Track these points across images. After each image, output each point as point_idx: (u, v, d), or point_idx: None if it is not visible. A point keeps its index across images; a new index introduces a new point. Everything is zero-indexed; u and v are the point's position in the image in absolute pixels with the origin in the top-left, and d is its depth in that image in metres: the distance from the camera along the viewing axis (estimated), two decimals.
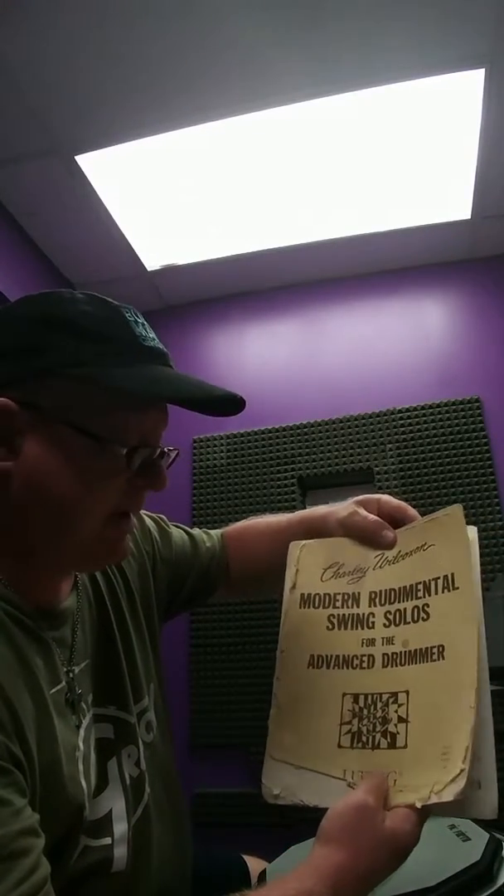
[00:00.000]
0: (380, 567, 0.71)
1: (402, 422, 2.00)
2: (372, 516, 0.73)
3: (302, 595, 0.74)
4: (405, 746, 0.59)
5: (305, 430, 2.08)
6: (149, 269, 2.14)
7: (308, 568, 0.76)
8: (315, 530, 0.80)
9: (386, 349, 2.14)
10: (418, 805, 0.54)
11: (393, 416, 2.02)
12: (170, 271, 2.17)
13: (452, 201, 1.90)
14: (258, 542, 0.91)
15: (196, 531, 0.94)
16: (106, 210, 1.86)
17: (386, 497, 0.76)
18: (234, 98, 1.52)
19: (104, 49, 1.38)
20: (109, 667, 0.70)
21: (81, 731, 0.62)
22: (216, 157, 1.70)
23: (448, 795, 0.52)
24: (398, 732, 0.60)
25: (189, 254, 2.10)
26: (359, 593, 0.70)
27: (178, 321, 2.34)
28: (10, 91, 1.46)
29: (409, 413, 2.01)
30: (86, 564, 0.68)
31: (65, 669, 0.63)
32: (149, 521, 0.88)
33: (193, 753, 1.86)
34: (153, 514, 0.91)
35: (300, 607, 0.74)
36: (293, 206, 1.90)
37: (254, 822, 1.71)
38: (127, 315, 0.61)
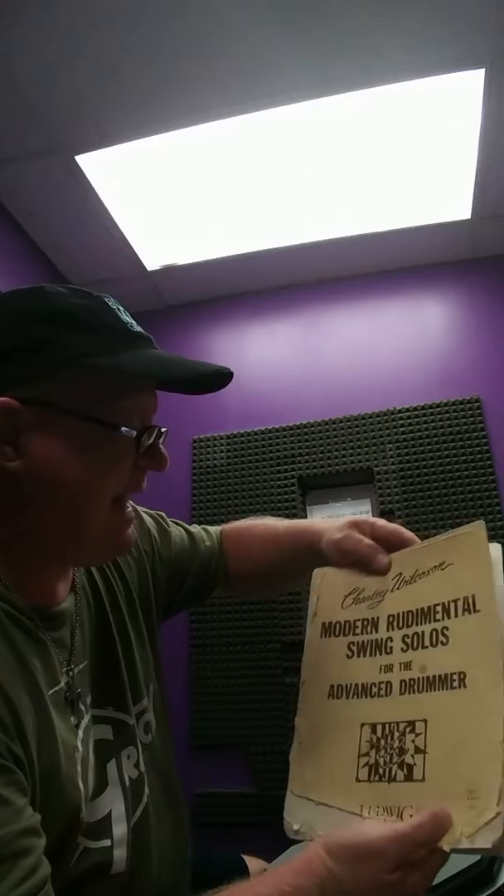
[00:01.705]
0: (397, 588, 0.68)
1: (402, 422, 2.00)
2: (366, 540, 0.73)
3: (323, 624, 0.73)
4: (423, 779, 0.56)
5: (305, 430, 2.08)
6: (149, 269, 2.14)
7: (328, 595, 0.74)
8: (308, 547, 0.80)
9: (386, 349, 2.14)
10: (447, 849, 0.51)
11: (393, 416, 2.02)
12: (170, 271, 2.16)
13: (452, 201, 1.90)
14: (255, 547, 0.91)
15: (196, 529, 0.94)
16: (106, 210, 1.85)
17: (381, 521, 0.75)
18: (234, 98, 1.52)
19: (104, 49, 1.38)
20: (108, 668, 0.70)
21: (80, 732, 0.62)
22: (216, 158, 1.69)
23: (484, 842, 0.49)
24: (415, 764, 0.57)
25: (189, 254, 2.10)
26: (377, 618, 0.69)
27: (178, 321, 2.34)
28: (10, 91, 1.46)
29: (409, 413, 2.01)
30: (99, 555, 0.69)
31: (64, 670, 0.62)
32: (148, 520, 0.88)
33: (193, 753, 1.86)
34: (152, 512, 0.91)
35: (321, 636, 0.72)
36: (293, 206, 1.89)
37: (254, 822, 1.71)
38: (111, 304, 0.63)
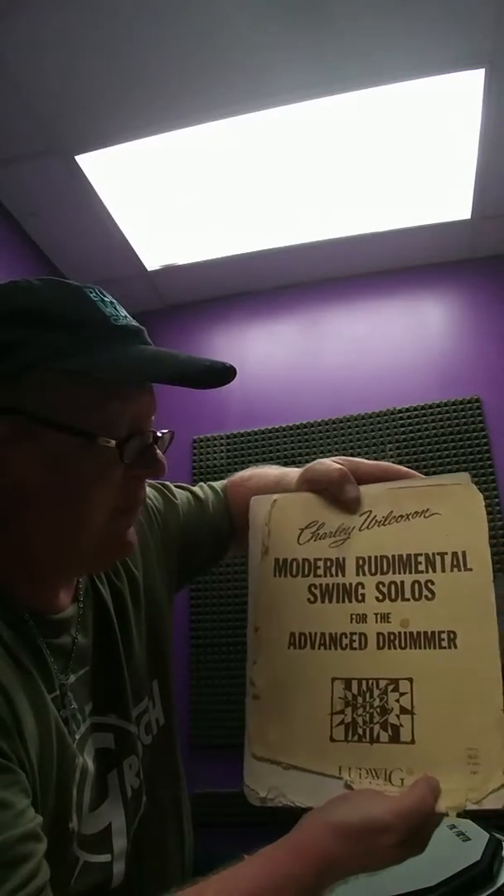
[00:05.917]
0: (367, 528, 0.63)
1: (402, 422, 2.00)
2: (336, 465, 0.66)
3: (276, 560, 0.65)
4: (412, 741, 0.54)
5: (305, 430, 2.08)
6: (149, 269, 2.14)
7: (282, 528, 0.66)
8: (286, 490, 0.74)
9: (386, 349, 2.14)
10: (452, 815, 0.50)
11: (393, 416, 2.02)
12: (170, 271, 2.16)
13: (452, 201, 1.90)
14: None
15: (204, 492, 0.89)
16: (106, 210, 1.85)
17: (368, 461, 0.69)
18: (235, 98, 1.52)
19: (104, 49, 1.38)
20: (111, 674, 0.68)
21: (76, 742, 0.60)
22: (216, 157, 1.69)
23: (496, 802, 0.49)
24: (401, 725, 0.55)
25: (189, 254, 2.10)
26: (343, 559, 0.62)
27: (178, 321, 2.34)
28: (10, 91, 1.46)
29: (409, 413, 2.01)
30: (95, 566, 0.65)
31: (60, 676, 0.60)
32: (152, 499, 0.83)
33: (193, 753, 1.86)
34: (156, 484, 0.85)
35: (275, 575, 0.64)
36: (293, 206, 1.89)
37: (254, 822, 1.70)
38: (92, 295, 0.57)
